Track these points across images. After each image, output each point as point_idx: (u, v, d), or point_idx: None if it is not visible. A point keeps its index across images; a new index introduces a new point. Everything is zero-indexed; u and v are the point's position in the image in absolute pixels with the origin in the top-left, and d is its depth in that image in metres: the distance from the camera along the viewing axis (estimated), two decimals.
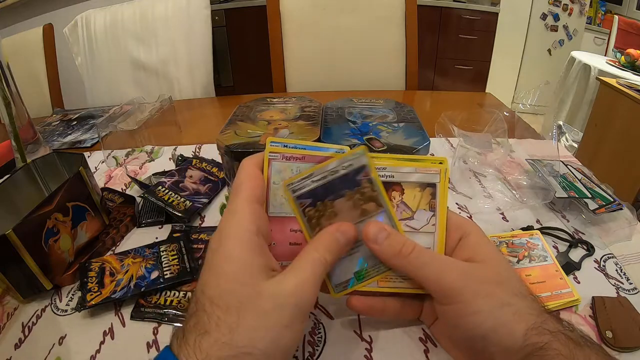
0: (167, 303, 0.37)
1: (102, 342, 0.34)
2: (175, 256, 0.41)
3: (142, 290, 0.37)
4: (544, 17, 2.63)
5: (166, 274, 0.39)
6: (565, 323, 0.25)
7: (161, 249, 0.42)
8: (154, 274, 0.39)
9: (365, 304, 0.31)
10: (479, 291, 0.25)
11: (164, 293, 0.38)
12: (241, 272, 0.24)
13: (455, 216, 0.31)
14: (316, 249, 0.27)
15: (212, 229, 0.47)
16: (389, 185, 0.30)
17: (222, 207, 0.52)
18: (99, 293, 0.37)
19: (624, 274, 0.40)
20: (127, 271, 0.39)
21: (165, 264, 0.40)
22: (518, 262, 0.41)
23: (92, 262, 0.40)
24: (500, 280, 0.26)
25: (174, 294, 0.38)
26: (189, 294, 0.38)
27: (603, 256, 0.43)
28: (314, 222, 0.29)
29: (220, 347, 0.21)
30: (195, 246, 0.44)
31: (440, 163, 0.30)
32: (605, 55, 2.20)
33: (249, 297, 0.23)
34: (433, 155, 0.63)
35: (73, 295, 0.39)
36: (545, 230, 0.46)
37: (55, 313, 0.37)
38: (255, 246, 0.25)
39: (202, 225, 0.49)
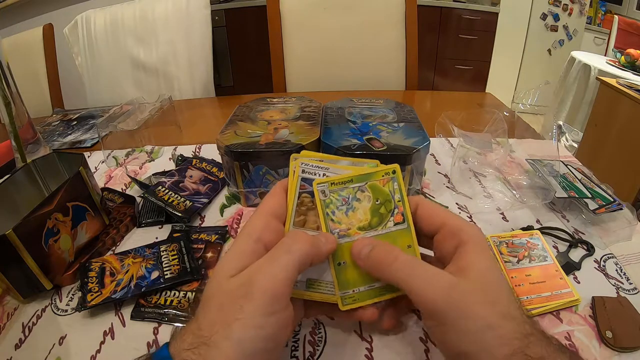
0: (167, 303, 0.37)
1: (102, 342, 0.34)
2: (176, 256, 0.41)
3: (142, 290, 0.37)
4: (544, 17, 2.63)
5: (166, 274, 0.39)
6: (553, 345, 0.24)
7: (161, 249, 0.42)
8: (155, 274, 0.39)
9: (368, 313, 0.30)
10: (463, 311, 0.24)
11: (164, 293, 0.38)
12: (221, 269, 0.26)
13: (455, 220, 0.29)
14: (294, 244, 0.27)
15: (212, 229, 0.47)
16: None
17: (222, 207, 0.52)
18: (99, 293, 0.37)
19: (624, 274, 0.40)
20: (127, 271, 0.39)
21: (165, 264, 0.40)
22: (518, 262, 0.41)
23: (92, 262, 0.40)
24: (488, 299, 0.25)
25: (174, 294, 0.38)
26: (189, 294, 0.38)
27: (603, 256, 0.43)
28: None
29: (191, 335, 0.24)
30: (195, 246, 0.44)
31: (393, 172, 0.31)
32: (605, 55, 2.20)
33: (214, 291, 0.25)
34: (433, 155, 0.63)
35: (73, 295, 0.39)
36: (545, 230, 0.46)
37: (55, 313, 0.37)
38: (246, 249, 0.27)
39: (202, 225, 0.49)
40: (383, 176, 0.31)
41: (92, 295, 0.37)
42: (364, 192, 0.30)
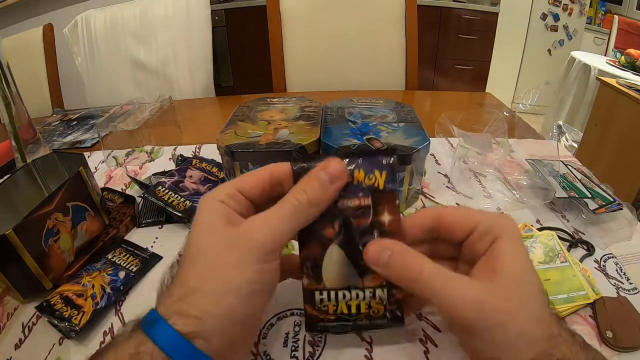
0: None
1: (102, 342, 0.34)
2: (127, 256, 0.42)
3: (121, 288, 0.38)
4: (544, 17, 2.64)
5: (132, 269, 0.40)
6: (578, 343, 0.24)
7: (109, 257, 0.42)
8: (122, 274, 0.40)
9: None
10: (494, 322, 0.23)
11: None
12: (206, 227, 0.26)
13: (488, 217, 0.27)
14: (292, 192, 0.26)
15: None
16: None
17: None
18: (81, 313, 0.35)
19: (624, 274, 0.40)
20: (92, 285, 0.38)
21: (123, 263, 0.41)
22: None
23: (47, 300, 0.36)
24: (521, 304, 0.24)
25: None
26: None
27: (603, 256, 0.43)
28: None
29: (179, 289, 0.24)
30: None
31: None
32: (605, 55, 2.20)
33: (206, 244, 0.25)
34: (433, 155, 0.63)
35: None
36: (545, 231, 0.46)
37: None
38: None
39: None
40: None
41: (76, 318, 0.34)
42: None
